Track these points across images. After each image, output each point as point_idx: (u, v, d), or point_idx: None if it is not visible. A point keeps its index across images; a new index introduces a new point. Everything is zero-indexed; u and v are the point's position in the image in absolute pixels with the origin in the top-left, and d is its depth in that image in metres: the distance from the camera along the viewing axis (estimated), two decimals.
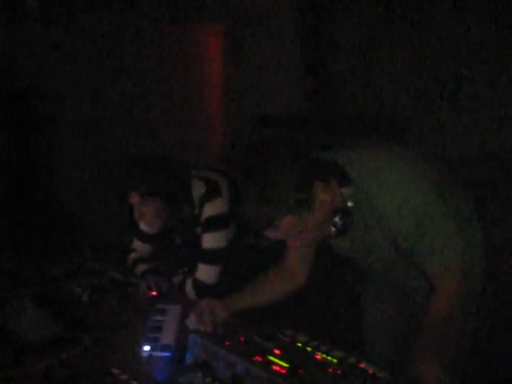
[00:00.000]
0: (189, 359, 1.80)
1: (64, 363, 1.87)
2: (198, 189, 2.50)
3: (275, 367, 1.60)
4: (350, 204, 1.81)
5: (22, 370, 1.82)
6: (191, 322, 1.90)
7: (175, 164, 2.51)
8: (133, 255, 2.76)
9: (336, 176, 1.80)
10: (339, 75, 5.03)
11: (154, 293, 2.46)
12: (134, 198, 2.42)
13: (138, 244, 2.78)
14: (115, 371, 1.57)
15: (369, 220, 1.83)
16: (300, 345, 1.76)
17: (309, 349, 1.73)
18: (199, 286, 2.44)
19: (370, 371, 1.60)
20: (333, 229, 1.81)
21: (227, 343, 1.74)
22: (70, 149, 4.42)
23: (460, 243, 1.81)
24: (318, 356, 1.69)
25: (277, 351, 1.70)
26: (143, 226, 2.70)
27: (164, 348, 1.94)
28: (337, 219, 1.79)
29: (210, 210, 2.46)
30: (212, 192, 2.48)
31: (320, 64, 5.20)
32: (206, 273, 2.45)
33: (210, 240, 2.47)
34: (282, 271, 2.13)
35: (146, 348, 1.93)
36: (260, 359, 1.64)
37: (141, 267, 2.67)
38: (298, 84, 5.28)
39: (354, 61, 4.91)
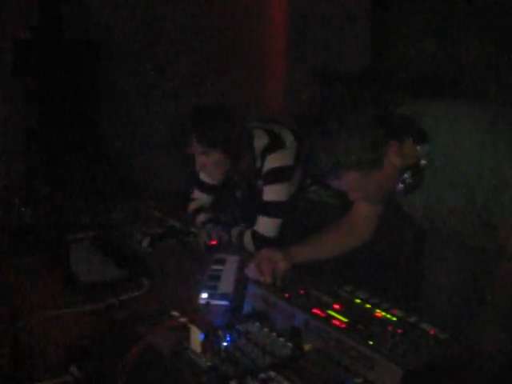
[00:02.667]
0: (246, 308, 1.81)
1: (124, 304, 1.90)
2: (261, 140, 2.47)
3: (335, 321, 1.58)
4: (423, 162, 1.74)
5: (85, 309, 1.87)
6: (250, 272, 1.89)
7: (237, 115, 2.48)
8: (193, 205, 2.78)
9: (412, 133, 1.73)
10: (407, 36, 4.86)
11: (214, 242, 2.46)
12: (196, 149, 2.41)
13: (198, 194, 2.79)
14: (175, 314, 1.59)
15: (443, 177, 1.76)
16: (359, 301, 1.73)
17: (368, 306, 1.70)
18: (258, 239, 2.43)
19: (432, 332, 1.56)
20: (401, 185, 1.75)
21: (286, 295, 1.73)
22: (134, 101, 4.45)
23: None
24: (378, 313, 1.66)
25: (336, 306, 1.68)
26: (204, 177, 2.71)
27: (222, 296, 1.95)
28: (406, 176, 1.74)
29: (273, 161, 2.43)
30: (275, 144, 2.45)
31: (388, 23, 5.03)
32: (265, 225, 2.43)
33: (271, 192, 2.44)
34: (348, 226, 2.09)
35: (204, 295, 1.95)
36: (319, 313, 1.63)
37: (201, 217, 2.68)
38: (365, 42, 5.14)
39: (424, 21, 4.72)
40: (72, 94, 3.98)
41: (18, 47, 3.97)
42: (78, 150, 3.83)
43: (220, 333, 1.54)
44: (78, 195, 2.91)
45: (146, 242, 2.49)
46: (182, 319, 1.55)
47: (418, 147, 1.73)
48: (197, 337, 1.50)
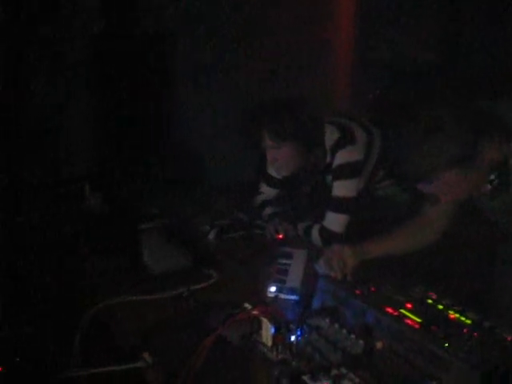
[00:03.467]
0: (316, 304, 1.79)
1: (193, 295, 1.92)
2: (332, 135, 2.45)
3: (407, 321, 1.55)
4: (511, 162, 1.68)
5: (155, 298, 1.91)
6: (320, 267, 1.88)
7: (311, 110, 2.46)
8: (259, 198, 2.78)
9: (500, 130, 1.66)
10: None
11: (281, 236, 2.46)
12: (267, 143, 2.41)
13: (265, 188, 2.79)
14: (247, 306, 1.59)
15: None
16: (431, 302, 1.69)
17: (440, 307, 1.66)
18: (326, 234, 2.41)
19: (509, 338, 1.51)
20: (488, 187, 1.69)
21: (358, 291, 1.71)
22: (204, 94, 4.48)
23: None
24: (452, 315, 1.61)
25: (408, 305, 1.64)
26: (271, 171, 2.70)
27: (291, 291, 1.94)
28: (493, 177, 1.68)
29: (343, 157, 2.40)
30: (346, 139, 2.42)
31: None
32: (334, 221, 2.41)
33: (340, 188, 2.42)
34: (420, 223, 2.04)
35: (273, 289, 1.95)
36: (392, 311, 1.60)
37: (267, 210, 2.68)
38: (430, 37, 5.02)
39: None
40: (144, 85, 4.04)
41: (91, 41, 4.05)
42: (149, 141, 3.89)
43: (291, 327, 1.53)
44: (149, 185, 2.95)
45: (212, 234, 2.51)
46: (254, 312, 1.55)
47: (507, 145, 1.67)
48: (268, 330, 1.51)
